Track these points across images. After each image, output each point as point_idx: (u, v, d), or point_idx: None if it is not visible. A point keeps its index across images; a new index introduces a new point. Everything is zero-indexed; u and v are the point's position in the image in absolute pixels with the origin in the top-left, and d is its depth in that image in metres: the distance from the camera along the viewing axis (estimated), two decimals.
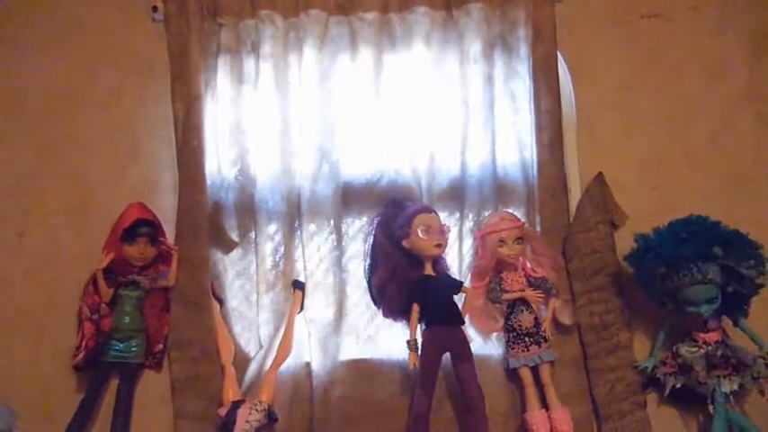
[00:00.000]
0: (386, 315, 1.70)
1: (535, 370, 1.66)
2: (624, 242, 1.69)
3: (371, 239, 1.73)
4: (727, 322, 1.66)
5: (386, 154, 1.80)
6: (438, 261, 1.69)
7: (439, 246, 1.65)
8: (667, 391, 1.63)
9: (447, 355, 1.62)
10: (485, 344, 1.73)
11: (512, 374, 1.68)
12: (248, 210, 1.78)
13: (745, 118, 1.85)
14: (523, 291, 1.69)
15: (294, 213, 1.77)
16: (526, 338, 1.66)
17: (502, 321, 1.71)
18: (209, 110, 1.79)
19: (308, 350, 1.70)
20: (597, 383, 1.68)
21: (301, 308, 1.73)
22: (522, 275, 1.72)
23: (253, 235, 1.78)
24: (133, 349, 1.68)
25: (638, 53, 1.88)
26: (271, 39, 1.80)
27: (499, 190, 1.78)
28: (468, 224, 1.77)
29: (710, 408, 1.59)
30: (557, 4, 1.84)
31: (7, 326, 1.75)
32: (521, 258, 1.73)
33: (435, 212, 1.69)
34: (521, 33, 1.81)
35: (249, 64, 1.81)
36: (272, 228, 1.78)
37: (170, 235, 1.74)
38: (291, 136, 1.79)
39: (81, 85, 1.86)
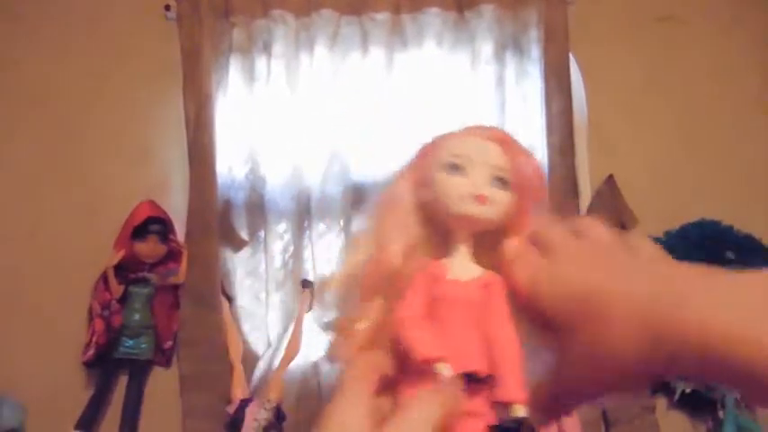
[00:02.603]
0: None
1: None
2: None
3: None
4: None
5: (396, 154, 1.80)
6: None
7: None
8: (677, 396, 1.62)
9: None
10: None
11: None
12: (258, 209, 1.78)
13: (757, 120, 1.84)
14: None
15: (304, 213, 1.77)
16: None
17: None
18: (220, 109, 1.79)
19: (317, 349, 1.71)
20: None
21: (310, 307, 1.74)
22: None
23: (262, 234, 1.79)
24: (142, 346, 1.69)
25: (650, 55, 1.87)
26: (282, 38, 1.80)
27: None
28: None
29: (720, 413, 1.58)
30: (569, 5, 1.83)
31: (18, 322, 1.76)
32: None
33: None
34: (532, 35, 1.80)
35: (261, 63, 1.81)
36: (282, 227, 1.78)
37: (180, 233, 1.74)
38: (302, 135, 1.79)
39: (93, 83, 1.86)
